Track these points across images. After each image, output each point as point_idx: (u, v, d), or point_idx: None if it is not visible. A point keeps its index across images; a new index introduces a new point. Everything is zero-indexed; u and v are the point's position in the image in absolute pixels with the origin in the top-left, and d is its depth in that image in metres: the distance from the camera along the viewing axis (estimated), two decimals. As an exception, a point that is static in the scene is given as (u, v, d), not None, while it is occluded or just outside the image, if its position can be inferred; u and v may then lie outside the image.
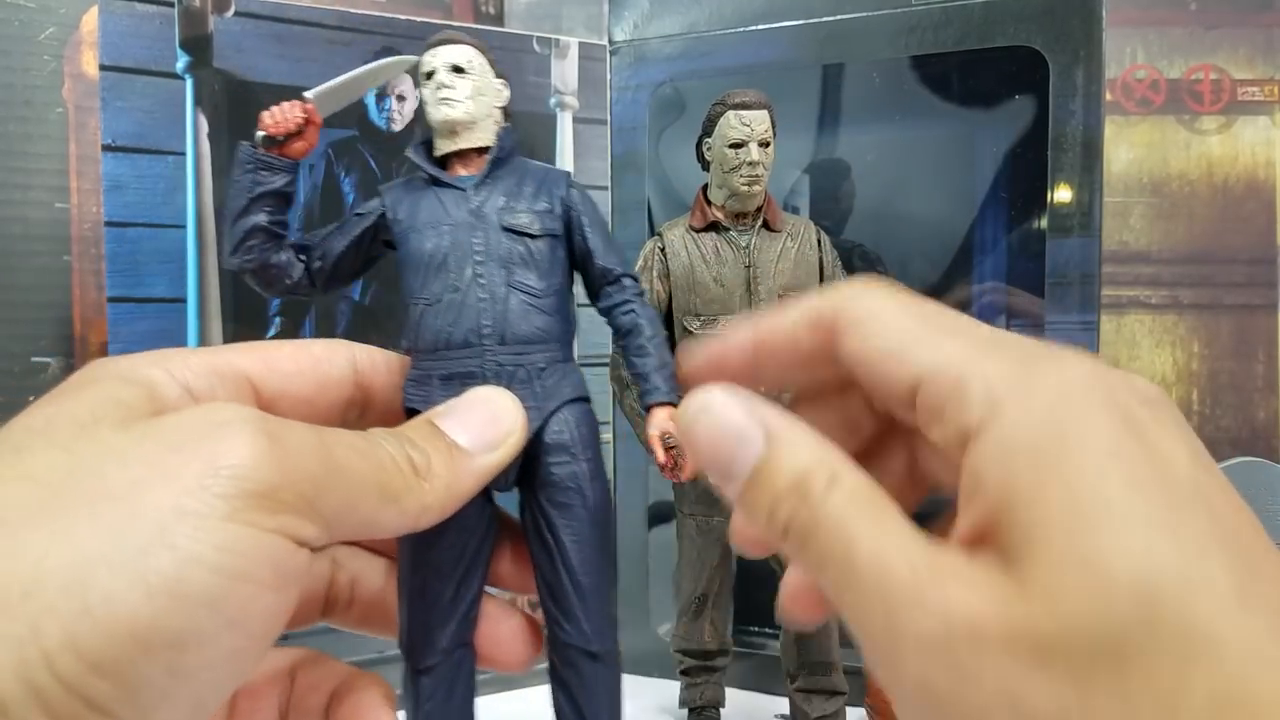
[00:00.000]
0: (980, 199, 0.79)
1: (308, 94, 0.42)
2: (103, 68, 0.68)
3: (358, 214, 0.42)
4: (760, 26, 0.78)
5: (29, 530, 0.24)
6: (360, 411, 0.41)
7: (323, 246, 0.42)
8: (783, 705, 0.70)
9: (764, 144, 0.62)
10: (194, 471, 0.25)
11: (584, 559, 0.39)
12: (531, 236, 0.40)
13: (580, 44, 0.82)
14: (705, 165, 0.66)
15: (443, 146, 0.42)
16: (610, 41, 0.83)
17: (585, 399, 0.41)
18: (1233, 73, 0.97)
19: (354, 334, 0.78)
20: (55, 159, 0.78)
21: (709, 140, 0.64)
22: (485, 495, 0.39)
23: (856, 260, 0.79)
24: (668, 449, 0.41)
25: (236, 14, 0.72)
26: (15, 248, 0.77)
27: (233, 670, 0.26)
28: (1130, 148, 0.97)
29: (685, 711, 0.71)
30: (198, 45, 0.71)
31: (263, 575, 0.25)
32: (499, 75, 0.43)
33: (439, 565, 0.38)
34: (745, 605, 0.73)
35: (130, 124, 0.69)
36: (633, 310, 0.42)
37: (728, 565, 0.69)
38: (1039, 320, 0.73)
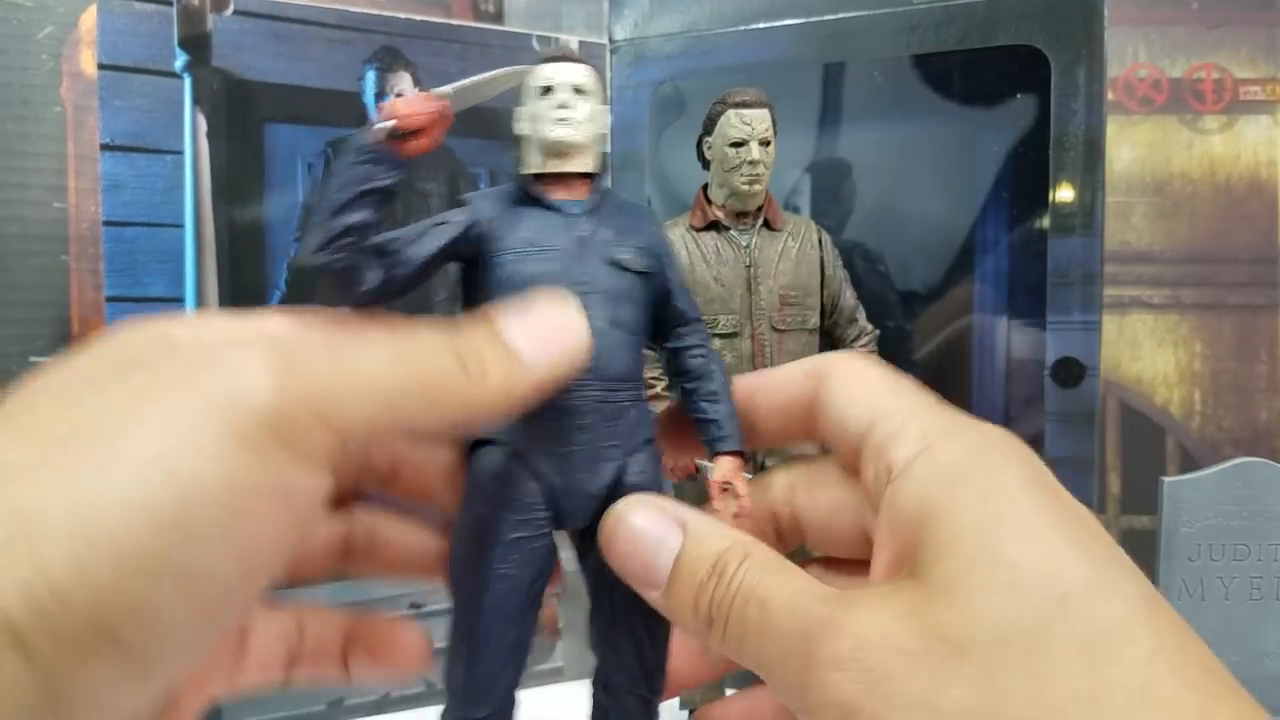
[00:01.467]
0: (982, 198, 0.79)
1: (442, 89, 0.38)
2: (101, 66, 0.68)
3: (442, 222, 0.39)
4: (761, 25, 0.78)
5: (32, 472, 0.24)
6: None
7: (404, 254, 0.39)
8: (783, 706, 0.69)
9: (765, 143, 0.62)
10: (194, 403, 0.24)
11: (650, 616, 0.37)
12: (635, 273, 0.39)
13: (580, 43, 0.82)
14: (706, 164, 0.66)
15: (547, 166, 0.40)
16: (610, 40, 0.82)
17: (655, 439, 0.40)
18: (1235, 72, 0.97)
19: (353, 334, 0.78)
20: (53, 158, 0.78)
21: (709, 139, 0.64)
22: (551, 531, 0.38)
23: (857, 259, 0.79)
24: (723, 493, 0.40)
25: (235, 12, 0.72)
26: (13, 247, 0.76)
27: (241, 596, 0.26)
28: (1132, 147, 0.97)
29: (686, 713, 0.71)
30: (196, 44, 0.71)
31: (269, 500, 0.25)
32: (604, 100, 0.42)
33: (504, 609, 0.37)
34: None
35: (128, 123, 0.69)
36: (704, 355, 0.41)
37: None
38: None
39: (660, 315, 0.42)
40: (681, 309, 0.41)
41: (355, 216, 0.37)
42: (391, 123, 0.37)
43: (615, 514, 0.34)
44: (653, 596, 0.32)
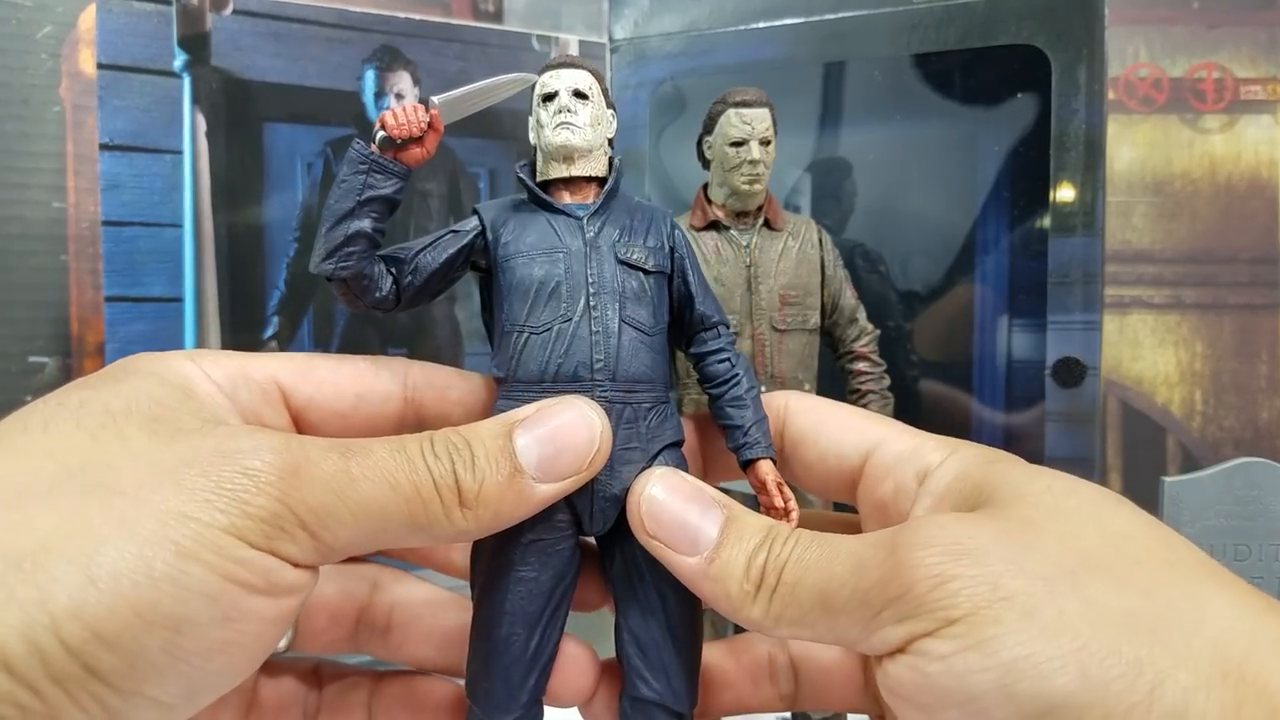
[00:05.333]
0: (982, 198, 0.79)
1: (435, 99, 0.39)
2: (100, 66, 0.68)
3: (454, 231, 0.40)
4: (761, 24, 0.78)
5: (42, 504, 0.25)
6: (415, 429, 0.40)
7: (415, 262, 0.39)
8: (783, 707, 0.69)
9: (765, 142, 0.62)
10: (201, 485, 0.26)
11: (681, 614, 0.37)
12: (645, 271, 0.39)
13: (580, 42, 0.82)
14: (706, 164, 0.65)
15: (554, 171, 0.40)
16: (610, 39, 0.82)
17: (681, 442, 0.39)
18: (1235, 71, 0.97)
19: (351, 334, 0.78)
20: (52, 158, 0.78)
21: (709, 139, 0.64)
22: (574, 535, 0.37)
23: (858, 259, 0.79)
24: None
25: (234, 12, 0.72)
26: (12, 247, 0.76)
27: (228, 663, 0.27)
28: (1133, 146, 0.97)
29: None
30: (195, 43, 0.71)
31: (254, 582, 0.26)
32: (610, 105, 0.42)
33: (524, 613, 0.36)
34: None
35: (128, 122, 0.69)
36: (728, 359, 0.40)
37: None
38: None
39: (682, 319, 0.41)
40: (704, 313, 0.41)
41: (357, 224, 0.37)
42: (382, 133, 0.38)
43: (651, 483, 0.35)
44: (690, 564, 0.32)
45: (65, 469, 0.26)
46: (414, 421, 0.39)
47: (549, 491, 0.33)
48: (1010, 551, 0.25)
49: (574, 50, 0.81)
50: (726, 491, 0.36)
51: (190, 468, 0.26)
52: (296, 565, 0.27)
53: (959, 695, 0.24)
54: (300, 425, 0.37)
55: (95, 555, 0.24)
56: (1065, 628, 0.23)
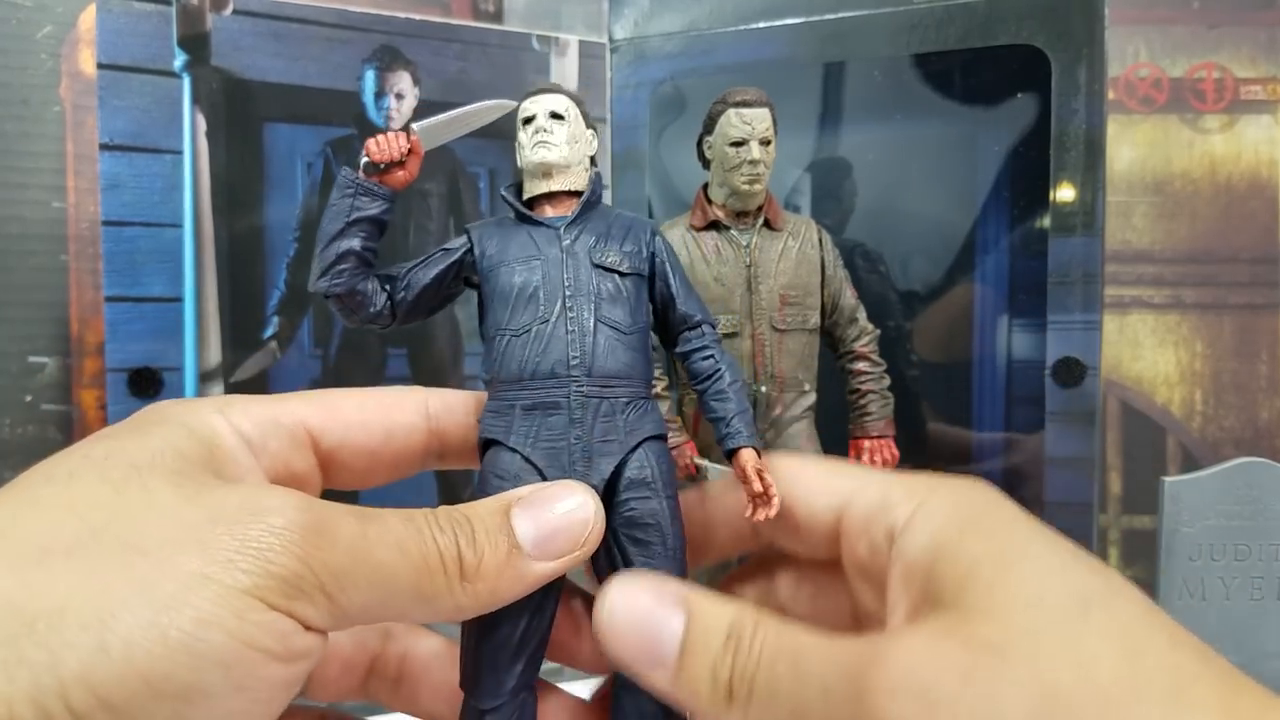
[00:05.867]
0: (982, 198, 0.79)
1: (414, 126, 0.43)
2: (100, 66, 0.68)
3: (444, 249, 0.43)
4: (761, 24, 0.78)
5: (63, 563, 0.25)
6: (439, 456, 0.41)
7: (407, 278, 0.42)
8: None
9: (765, 142, 0.62)
10: (225, 545, 0.26)
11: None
12: (620, 274, 0.41)
13: (580, 42, 0.82)
14: (706, 164, 0.65)
15: (535, 188, 0.43)
16: (610, 40, 0.82)
17: (663, 437, 0.41)
18: (1235, 71, 0.97)
19: (351, 333, 0.78)
20: (52, 158, 0.78)
21: (709, 138, 0.64)
22: None
23: (858, 259, 0.79)
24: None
25: (234, 12, 0.72)
26: (12, 247, 0.76)
27: None
28: (1133, 146, 0.97)
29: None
30: (195, 43, 0.71)
31: (271, 647, 0.26)
32: (589, 126, 0.45)
33: (509, 604, 0.37)
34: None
35: (128, 122, 0.69)
36: (712, 356, 0.42)
37: (727, 567, 0.69)
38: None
39: (664, 321, 0.44)
40: (685, 313, 0.43)
41: (346, 244, 0.40)
42: (365, 159, 0.41)
43: (609, 602, 0.33)
44: (658, 677, 0.31)
45: (88, 525, 0.26)
46: (438, 449, 0.41)
47: (544, 570, 0.34)
48: (978, 701, 0.24)
49: (574, 51, 0.81)
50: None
51: (216, 525, 0.26)
52: (309, 629, 0.28)
53: None
54: (329, 467, 0.38)
55: (111, 621, 0.24)
56: None
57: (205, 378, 0.72)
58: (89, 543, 0.25)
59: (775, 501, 0.37)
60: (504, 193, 0.43)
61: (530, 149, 0.43)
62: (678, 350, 0.43)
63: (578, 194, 0.43)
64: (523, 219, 0.42)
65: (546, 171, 0.43)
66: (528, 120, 0.43)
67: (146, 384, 0.69)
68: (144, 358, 0.69)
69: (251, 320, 0.74)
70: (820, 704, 0.27)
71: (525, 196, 0.44)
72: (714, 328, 0.43)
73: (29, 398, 0.77)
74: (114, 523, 0.26)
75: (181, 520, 0.27)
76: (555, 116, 0.43)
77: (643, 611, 0.32)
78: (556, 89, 0.44)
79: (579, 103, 0.44)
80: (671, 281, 0.43)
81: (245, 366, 0.74)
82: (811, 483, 0.36)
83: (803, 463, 0.38)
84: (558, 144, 0.42)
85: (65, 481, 0.27)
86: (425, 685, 0.40)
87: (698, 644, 0.31)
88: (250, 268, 0.74)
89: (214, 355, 0.72)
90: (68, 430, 0.78)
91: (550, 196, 0.43)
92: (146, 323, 0.69)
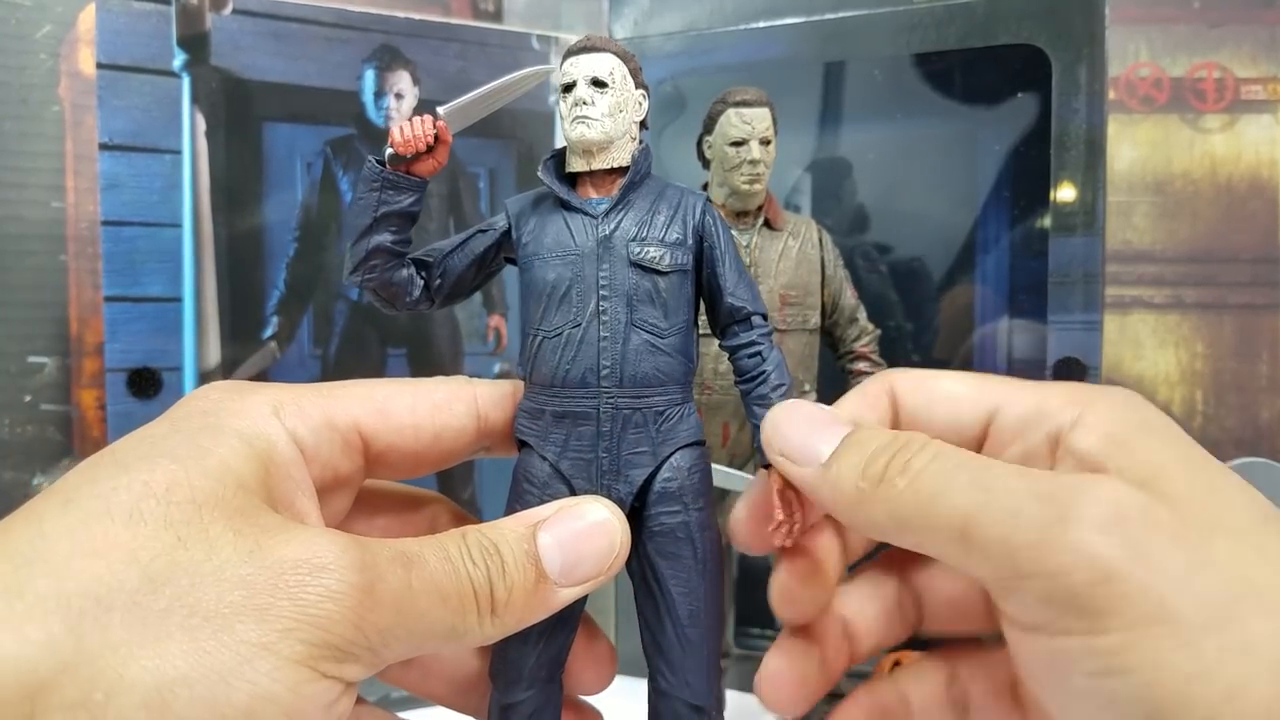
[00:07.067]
0: (983, 197, 0.79)
1: (440, 110, 0.40)
2: (99, 66, 0.68)
3: (481, 230, 0.41)
4: (761, 24, 0.78)
5: (123, 621, 0.25)
6: (485, 450, 0.41)
7: (443, 264, 0.41)
8: (784, 707, 0.69)
9: (765, 142, 0.62)
10: (283, 612, 0.26)
11: (692, 611, 0.38)
12: (660, 273, 0.38)
13: (580, 42, 0.82)
14: (706, 163, 0.65)
15: (575, 165, 0.40)
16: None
17: (700, 442, 0.39)
18: (1236, 71, 0.96)
19: (351, 333, 0.78)
20: (52, 158, 0.77)
21: (709, 138, 0.64)
22: None
23: (858, 259, 0.78)
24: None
25: (234, 11, 0.72)
26: (11, 247, 0.76)
27: None
28: (1133, 146, 0.97)
29: None
30: (195, 43, 0.71)
31: (316, 716, 0.27)
32: (640, 85, 0.41)
33: None
34: (746, 607, 0.72)
35: (127, 122, 0.68)
36: (759, 354, 0.40)
37: (728, 568, 0.69)
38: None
39: (712, 310, 0.41)
40: (735, 304, 0.40)
41: (376, 239, 0.39)
42: (390, 150, 0.39)
43: (787, 405, 0.36)
44: (806, 473, 0.33)
45: (149, 578, 0.26)
46: (485, 445, 0.41)
47: (570, 595, 0.34)
48: (1183, 565, 0.24)
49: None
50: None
51: (276, 592, 0.27)
52: (349, 684, 0.28)
53: (1095, 701, 0.24)
54: (375, 466, 0.38)
55: (171, 700, 0.24)
56: (1222, 674, 0.23)
57: (205, 377, 0.72)
58: (149, 601, 0.25)
59: (795, 531, 0.36)
60: (541, 172, 0.40)
61: (570, 123, 0.39)
62: (724, 343, 0.41)
63: (622, 170, 0.40)
64: (559, 201, 0.40)
65: (586, 149, 0.39)
66: (568, 87, 0.40)
67: (146, 384, 0.69)
68: (143, 358, 0.69)
69: (251, 320, 0.74)
70: (1005, 520, 0.27)
71: (567, 170, 0.40)
72: (764, 318, 0.40)
73: (28, 398, 0.77)
74: (175, 578, 0.26)
75: (241, 580, 0.27)
76: (597, 84, 0.39)
77: (809, 418, 0.34)
78: (600, 45, 0.40)
79: (627, 59, 0.40)
80: (721, 269, 0.40)
81: (245, 366, 0.74)
82: (954, 392, 0.36)
83: (940, 377, 0.37)
84: (598, 118, 0.39)
85: (125, 522, 0.27)
86: (436, 672, 0.41)
87: (857, 443, 0.32)
88: (250, 267, 0.74)
89: (213, 355, 0.72)
90: (67, 430, 0.77)
91: (592, 174, 0.40)
92: (146, 322, 0.69)
